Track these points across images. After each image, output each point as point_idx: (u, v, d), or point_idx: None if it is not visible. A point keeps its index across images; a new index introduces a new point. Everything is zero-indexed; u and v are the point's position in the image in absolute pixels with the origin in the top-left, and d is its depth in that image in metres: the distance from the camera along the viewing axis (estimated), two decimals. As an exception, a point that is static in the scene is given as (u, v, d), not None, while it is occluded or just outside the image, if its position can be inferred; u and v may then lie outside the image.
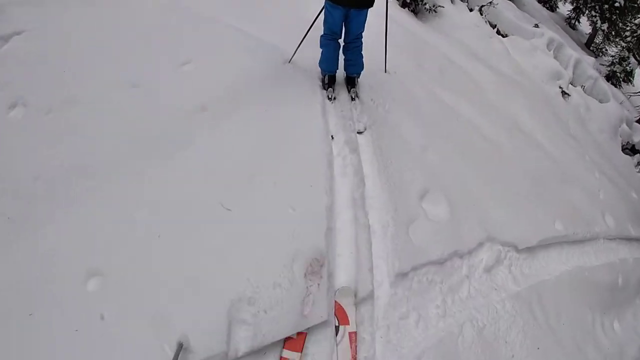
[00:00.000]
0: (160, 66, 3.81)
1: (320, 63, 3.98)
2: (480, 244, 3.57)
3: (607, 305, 4.43)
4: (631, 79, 14.11)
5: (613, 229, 5.24)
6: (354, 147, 3.39)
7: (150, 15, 4.40)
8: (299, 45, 4.04)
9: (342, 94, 4.07)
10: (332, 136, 3.53)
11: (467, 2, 8.45)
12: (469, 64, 6.04)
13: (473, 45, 6.86)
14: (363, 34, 3.85)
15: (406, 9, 7.06)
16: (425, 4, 7.01)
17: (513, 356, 3.13)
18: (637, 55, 13.51)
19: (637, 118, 11.00)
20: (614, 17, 15.08)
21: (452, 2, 7.71)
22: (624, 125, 8.80)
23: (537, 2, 17.25)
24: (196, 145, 3.11)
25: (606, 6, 14.88)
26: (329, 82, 4.02)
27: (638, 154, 9.09)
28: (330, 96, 3.97)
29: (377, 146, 3.46)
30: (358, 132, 3.63)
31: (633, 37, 10.62)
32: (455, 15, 7.39)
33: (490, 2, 8.15)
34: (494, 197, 4.03)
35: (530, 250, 4.04)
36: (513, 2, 13.20)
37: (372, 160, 3.32)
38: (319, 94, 3.89)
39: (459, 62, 5.93)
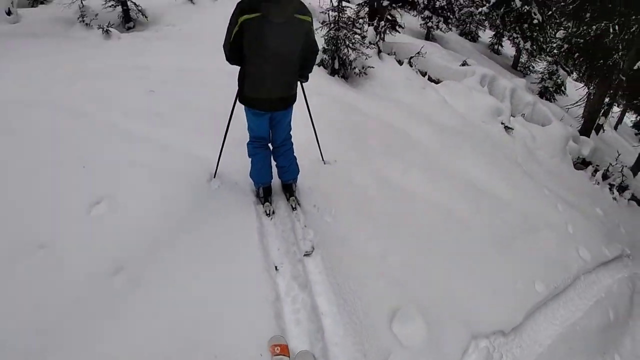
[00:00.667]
0: (68, 211, 3.21)
1: (252, 175, 3.53)
2: (465, 350, 3.14)
3: (605, 345, 4.14)
4: (563, 90, 14.67)
5: (590, 261, 5.03)
6: (304, 281, 2.89)
7: (44, 141, 3.86)
8: (219, 157, 3.63)
9: (281, 204, 3.64)
10: (276, 267, 3.05)
11: (395, 54, 8.47)
12: (411, 125, 5.81)
13: (410, 101, 6.72)
14: (291, 132, 3.50)
15: (336, 76, 6.91)
16: (354, 67, 6.89)
17: None
18: (565, 67, 14.08)
19: (579, 128, 11.28)
20: (535, 34, 15.87)
21: (380, 58, 7.65)
22: (571, 142, 8.87)
23: (458, 36, 18.07)
24: (106, 331, 2.50)
25: (525, 25, 15.64)
26: (264, 195, 3.58)
27: (590, 166, 9.17)
28: (267, 211, 3.52)
29: (330, 271, 2.99)
30: (305, 254, 3.16)
31: (560, 51, 11.00)
32: (386, 73, 7.30)
33: (419, 53, 8.18)
34: (469, 284, 3.63)
35: (517, 328, 3.68)
36: (436, 41, 13.65)
37: (328, 293, 2.82)
38: (253, 213, 3.42)
39: (402, 126, 5.69)
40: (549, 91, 14.49)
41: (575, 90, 13.82)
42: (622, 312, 4.68)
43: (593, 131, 12.04)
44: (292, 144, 3.55)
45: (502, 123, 7.34)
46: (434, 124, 6.19)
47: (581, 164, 9.24)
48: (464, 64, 9.89)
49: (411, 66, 7.85)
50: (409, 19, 14.08)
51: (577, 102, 12.02)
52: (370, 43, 7.61)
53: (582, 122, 11.46)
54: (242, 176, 3.68)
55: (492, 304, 3.63)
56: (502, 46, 18.88)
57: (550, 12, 14.78)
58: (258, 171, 3.47)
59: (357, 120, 5.43)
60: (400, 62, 8.00)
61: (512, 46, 17.43)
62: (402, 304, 3.02)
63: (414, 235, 3.74)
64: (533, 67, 17.65)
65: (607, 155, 9.74)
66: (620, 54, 8.85)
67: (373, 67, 7.12)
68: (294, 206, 3.59)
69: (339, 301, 2.79)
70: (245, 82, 3.00)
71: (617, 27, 8.44)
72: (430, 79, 8.23)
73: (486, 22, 18.59)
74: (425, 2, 14.34)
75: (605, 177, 9.09)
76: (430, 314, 3.10)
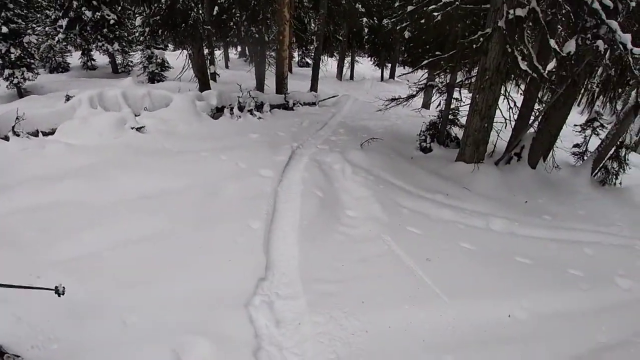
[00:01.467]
0: None
1: None
2: (251, 320, 3.66)
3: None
4: (168, 66, 15.82)
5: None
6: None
7: None
8: None
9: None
10: None
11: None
12: (58, 188, 5.56)
13: (34, 173, 6.26)
14: None
15: None
16: None
17: None
18: (156, 45, 14.94)
19: (197, 87, 12.68)
20: (117, 33, 16.19)
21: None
22: (197, 102, 9.98)
23: (49, 74, 16.66)
24: None
25: (105, 30, 15.71)
26: None
27: (225, 108, 10.65)
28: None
29: None
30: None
31: (145, 35, 11.83)
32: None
33: (17, 119, 7.38)
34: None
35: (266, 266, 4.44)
36: (31, 93, 12.40)
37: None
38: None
39: (57, 198, 5.38)
40: (156, 73, 15.53)
41: (176, 59, 15.09)
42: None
43: (211, 81, 13.86)
44: None
45: (132, 128, 7.70)
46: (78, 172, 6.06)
47: (219, 111, 10.68)
48: (68, 98, 9.54)
49: (18, 135, 7.04)
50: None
51: (183, 69, 13.33)
52: None
53: (197, 81, 12.92)
54: None
55: (229, 273, 4.19)
56: (94, 60, 18.74)
57: (120, 7, 15.25)
58: None
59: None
60: (6, 138, 7.07)
61: (103, 54, 17.52)
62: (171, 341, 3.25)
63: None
64: (132, 62, 18.31)
65: (233, 92, 11.36)
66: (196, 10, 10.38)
67: None
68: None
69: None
70: None
71: None
72: (44, 134, 7.68)
73: (69, 46, 17.89)
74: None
75: (241, 108, 10.89)
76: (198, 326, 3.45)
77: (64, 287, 2.81)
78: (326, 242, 5.02)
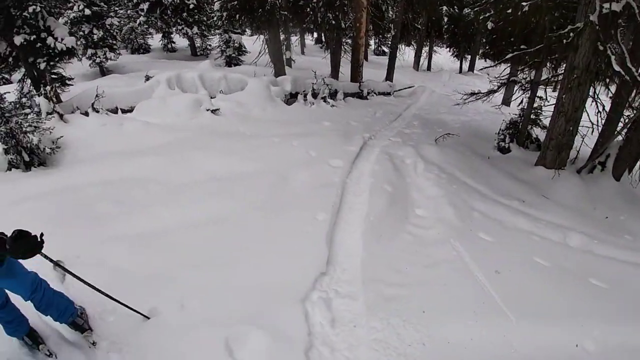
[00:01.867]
0: None
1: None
2: (306, 314, 3.53)
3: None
4: (244, 50, 15.99)
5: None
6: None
7: None
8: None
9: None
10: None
11: (78, 108, 7.93)
12: (138, 161, 5.76)
13: (115, 148, 6.54)
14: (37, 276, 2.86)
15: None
16: (44, 149, 6.21)
17: None
18: (233, 30, 15.15)
19: (272, 72, 12.70)
20: (197, 17, 16.77)
21: (65, 122, 7.05)
22: (272, 87, 9.98)
23: (132, 55, 17.76)
24: None
25: (185, 14, 16.30)
26: (32, 340, 2.97)
27: (298, 94, 10.57)
28: (49, 353, 3.03)
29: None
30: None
31: (222, 19, 12.01)
32: (79, 132, 6.81)
33: (97, 96, 7.81)
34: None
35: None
36: (112, 72, 13.14)
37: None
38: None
39: (134, 174, 5.60)
40: (233, 57, 15.82)
41: (253, 44, 15.32)
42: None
43: (286, 67, 13.84)
44: (44, 281, 2.96)
45: (207, 110, 7.82)
46: (154, 150, 6.24)
47: (292, 97, 10.65)
48: (147, 78, 9.95)
49: (97, 111, 7.50)
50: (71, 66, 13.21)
51: (259, 54, 13.43)
52: (48, 114, 6.93)
53: (272, 67, 12.96)
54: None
55: (289, 264, 4.05)
56: (174, 42, 19.54)
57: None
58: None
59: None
60: (86, 113, 7.55)
61: (183, 37, 18.20)
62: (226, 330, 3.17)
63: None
64: (210, 45, 18.86)
65: (307, 78, 11.29)
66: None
67: (62, 136, 6.53)
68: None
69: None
70: None
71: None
72: (123, 111, 8.05)
73: (151, 29, 18.85)
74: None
75: (314, 95, 10.76)
76: (253, 317, 3.34)
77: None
78: (392, 241, 4.71)
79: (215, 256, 4.04)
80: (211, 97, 8.57)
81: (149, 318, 3.24)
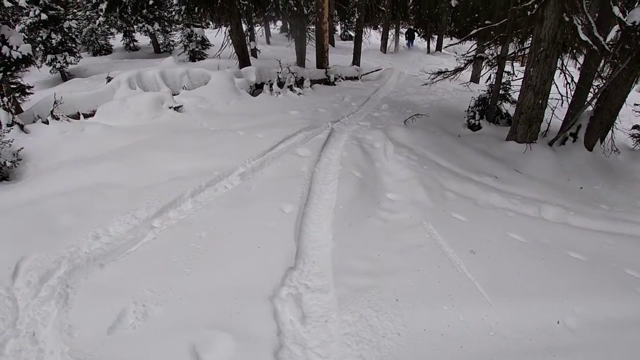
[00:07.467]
0: None
1: None
2: (275, 312, 3.42)
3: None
4: (208, 44, 15.65)
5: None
6: None
7: None
8: None
9: None
10: None
11: (39, 117, 7.61)
12: (93, 168, 5.53)
13: (73, 153, 6.29)
14: None
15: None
16: (4, 163, 5.93)
17: None
18: (193, 23, 14.76)
19: (237, 64, 12.45)
20: (157, 13, 16.25)
21: (27, 132, 6.75)
22: (236, 80, 9.78)
23: (91, 57, 17.21)
24: None
25: (145, 10, 15.85)
26: None
27: (264, 85, 10.40)
28: None
29: None
30: None
31: (180, 14, 11.66)
32: (43, 142, 6.53)
33: (55, 102, 7.50)
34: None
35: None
36: (75, 76, 12.70)
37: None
38: None
39: (95, 180, 5.38)
40: (197, 51, 15.45)
41: (215, 37, 14.96)
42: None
43: (251, 57, 13.57)
44: None
45: (169, 107, 7.59)
46: (115, 154, 6.02)
47: (258, 88, 10.46)
48: (109, 79, 9.62)
49: (57, 119, 7.20)
50: (31, 73, 12.70)
51: (222, 47, 13.14)
52: (7, 126, 6.64)
53: (237, 58, 12.69)
54: None
55: (256, 262, 3.92)
56: (136, 41, 19.02)
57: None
58: None
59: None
60: (47, 122, 7.24)
61: (145, 35, 17.72)
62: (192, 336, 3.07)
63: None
64: (173, 41, 18.42)
65: (273, 68, 11.12)
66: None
67: (23, 148, 6.19)
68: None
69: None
70: None
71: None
72: (85, 116, 7.76)
73: (111, 29, 18.28)
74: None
75: (280, 84, 10.59)
76: (220, 320, 3.24)
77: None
78: (363, 229, 4.62)
79: (178, 259, 3.90)
80: (174, 94, 8.33)
81: None
